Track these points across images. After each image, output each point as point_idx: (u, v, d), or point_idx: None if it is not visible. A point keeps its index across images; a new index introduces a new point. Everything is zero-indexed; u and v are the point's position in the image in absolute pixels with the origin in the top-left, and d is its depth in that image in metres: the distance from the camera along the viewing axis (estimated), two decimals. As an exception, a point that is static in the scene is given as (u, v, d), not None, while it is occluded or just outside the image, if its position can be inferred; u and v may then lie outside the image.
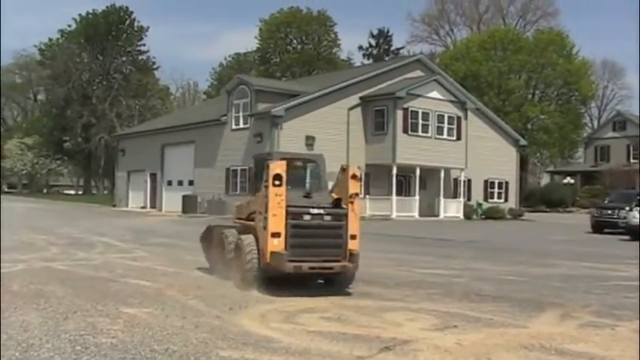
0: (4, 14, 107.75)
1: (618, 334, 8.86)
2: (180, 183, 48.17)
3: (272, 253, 11.24)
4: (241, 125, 42.24)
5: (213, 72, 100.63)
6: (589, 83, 77.34)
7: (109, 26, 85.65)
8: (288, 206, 11.26)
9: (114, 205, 55.45)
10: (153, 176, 51.04)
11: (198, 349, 7.41)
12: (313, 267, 11.43)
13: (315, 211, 11.51)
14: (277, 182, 11.16)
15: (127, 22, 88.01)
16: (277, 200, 11.20)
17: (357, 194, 11.65)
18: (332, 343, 7.83)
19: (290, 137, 39.40)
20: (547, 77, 73.98)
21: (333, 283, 12.06)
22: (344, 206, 11.61)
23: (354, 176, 11.58)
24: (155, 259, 16.76)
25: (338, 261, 11.50)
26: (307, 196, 11.93)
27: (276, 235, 11.22)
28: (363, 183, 11.72)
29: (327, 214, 11.56)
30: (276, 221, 11.22)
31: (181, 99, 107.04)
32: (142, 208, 50.92)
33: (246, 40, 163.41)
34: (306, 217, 11.45)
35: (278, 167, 11.25)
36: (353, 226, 11.58)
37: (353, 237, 11.57)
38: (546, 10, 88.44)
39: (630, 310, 10.65)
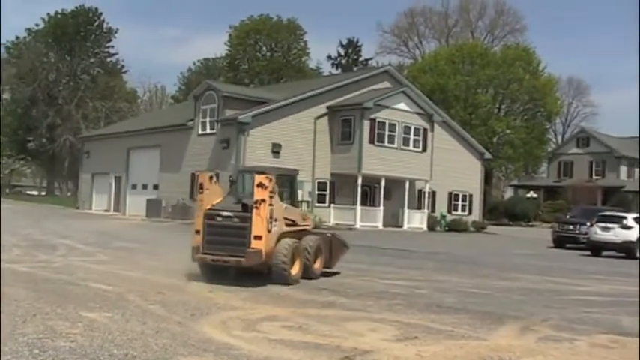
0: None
1: (576, 348, 8.96)
2: (144, 187, 47.85)
3: (192, 246, 13.84)
4: (208, 131, 42.05)
5: (181, 76, 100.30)
6: (554, 100, 78.06)
7: (78, 27, 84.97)
8: (207, 209, 13.72)
9: (77, 208, 54.96)
10: (117, 179, 50.65)
11: (159, 355, 7.37)
12: (214, 259, 13.55)
13: (225, 214, 13.62)
14: (200, 190, 13.96)
15: (96, 23, 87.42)
16: (199, 204, 13.95)
17: (262, 200, 13.32)
18: (293, 351, 7.83)
19: (256, 144, 39.35)
20: (513, 92, 74.53)
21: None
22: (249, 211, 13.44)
23: (259, 185, 13.34)
24: (117, 263, 16.64)
25: (235, 256, 13.38)
26: (238, 202, 13.87)
27: (197, 232, 13.82)
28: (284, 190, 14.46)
29: (235, 217, 13.58)
30: (198, 221, 13.86)
31: (148, 102, 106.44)
32: (106, 211, 50.51)
33: (215, 46, 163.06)
34: (218, 219, 13.66)
35: (201, 178, 14.08)
36: (257, 228, 13.35)
37: (257, 237, 13.36)
38: (514, 27, 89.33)
39: (589, 325, 10.78)
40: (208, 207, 13.69)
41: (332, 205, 42.84)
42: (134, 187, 49.25)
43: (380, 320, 10.32)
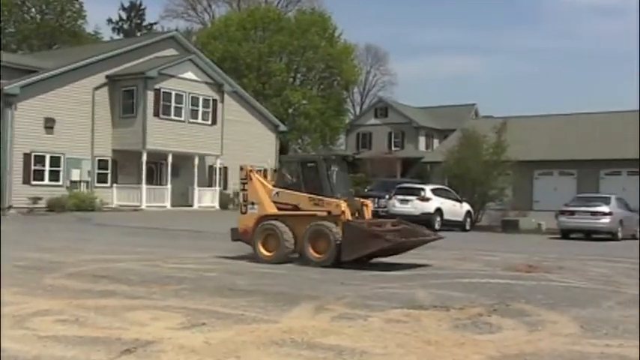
0: None
1: (370, 325, 9.34)
2: None
3: None
4: (-31, 104, 40.11)
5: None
6: (352, 67, 79.98)
7: None
8: None
9: None
10: None
11: None
12: None
13: None
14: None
15: None
16: None
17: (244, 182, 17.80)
18: (67, 348, 7.67)
19: (26, 119, 37.94)
20: (309, 60, 75.77)
21: None
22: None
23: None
24: None
25: None
26: None
27: None
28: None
29: None
30: None
31: None
32: None
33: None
34: None
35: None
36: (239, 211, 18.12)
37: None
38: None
39: (383, 300, 11.29)
40: None
41: (114, 184, 42.06)
42: None
43: (165, 308, 10.31)
